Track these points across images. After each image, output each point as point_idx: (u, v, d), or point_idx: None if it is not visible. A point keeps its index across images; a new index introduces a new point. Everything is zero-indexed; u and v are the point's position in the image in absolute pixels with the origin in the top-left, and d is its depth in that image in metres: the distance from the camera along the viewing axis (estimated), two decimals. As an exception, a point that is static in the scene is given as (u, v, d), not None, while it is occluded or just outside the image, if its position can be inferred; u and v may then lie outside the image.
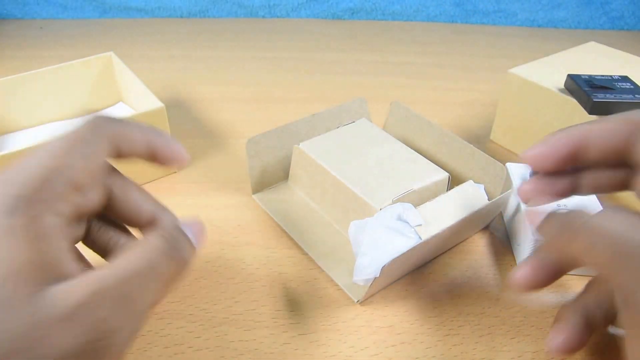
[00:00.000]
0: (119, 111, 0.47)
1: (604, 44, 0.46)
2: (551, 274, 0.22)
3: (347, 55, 0.64)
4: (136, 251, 0.19)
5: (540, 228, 0.22)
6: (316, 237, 0.33)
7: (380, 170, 0.33)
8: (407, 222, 0.28)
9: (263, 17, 0.76)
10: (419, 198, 0.31)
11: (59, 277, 0.17)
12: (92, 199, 0.20)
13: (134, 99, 0.44)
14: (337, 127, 0.37)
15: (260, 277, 0.31)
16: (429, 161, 0.34)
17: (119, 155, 0.21)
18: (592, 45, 0.46)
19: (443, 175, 0.33)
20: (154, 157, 0.23)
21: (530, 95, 0.39)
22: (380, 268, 0.25)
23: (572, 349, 0.23)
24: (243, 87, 0.55)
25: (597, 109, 0.34)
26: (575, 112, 0.36)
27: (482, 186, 0.33)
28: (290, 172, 0.37)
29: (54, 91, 0.44)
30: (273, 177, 0.38)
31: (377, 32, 0.72)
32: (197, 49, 0.65)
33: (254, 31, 0.71)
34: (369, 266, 0.27)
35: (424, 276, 0.31)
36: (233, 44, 0.67)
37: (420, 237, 0.28)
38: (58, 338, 0.16)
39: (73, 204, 0.19)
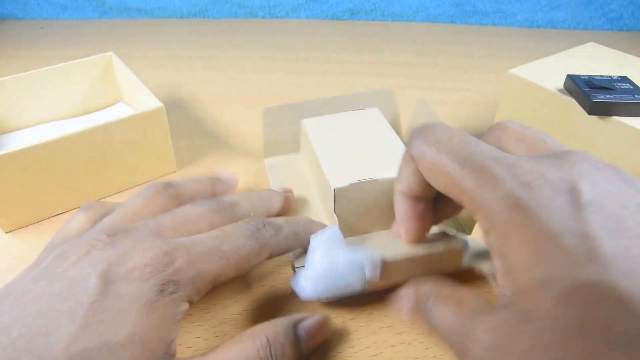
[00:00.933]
0: (119, 111, 0.47)
1: (604, 44, 0.46)
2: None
3: (346, 55, 0.64)
4: (238, 355, 0.21)
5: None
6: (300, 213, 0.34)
7: (360, 156, 0.33)
8: (364, 271, 0.26)
9: (263, 17, 0.77)
10: (383, 189, 0.31)
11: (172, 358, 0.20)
12: None
13: (134, 98, 0.44)
14: (346, 111, 0.38)
15: (259, 276, 0.31)
16: None
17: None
18: (591, 45, 0.46)
19: None
20: None
21: (530, 95, 0.39)
22: (313, 299, 0.26)
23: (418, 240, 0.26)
24: (243, 87, 0.55)
25: (596, 109, 0.34)
26: (574, 113, 0.36)
27: (469, 251, 0.29)
28: (300, 145, 0.39)
29: (54, 91, 0.44)
30: (287, 146, 0.39)
31: (376, 33, 0.72)
32: (197, 49, 0.65)
33: (253, 31, 0.71)
34: (305, 290, 0.26)
35: (423, 276, 0.31)
36: (233, 44, 0.67)
37: (364, 289, 0.27)
38: None
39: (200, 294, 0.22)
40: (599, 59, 0.43)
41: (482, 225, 0.19)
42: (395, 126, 0.41)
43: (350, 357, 0.26)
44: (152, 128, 0.37)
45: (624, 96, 0.34)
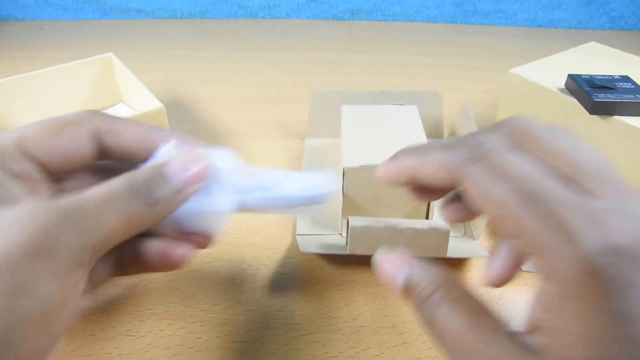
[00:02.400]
0: (119, 112, 0.47)
1: (604, 44, 0.46)
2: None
3: (347, 55, 0.64)
4: (99, 186, 0.19)
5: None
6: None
7: (381, 146, 0.33)
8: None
9: (263, 17, 0.77)
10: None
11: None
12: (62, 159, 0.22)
13: (134, 99, 0.44)
14: (384, 104, 0.39)
15: (261, 277, 0.31)
16: None
17: (105, 150, 0.22)
18: (592, 45, 0.46)
19: None
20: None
21: (531, 95, 0.39)
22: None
23: (503, 282, 0.22)
24: (243, 88, 0.55)
25: (598, 108, 0.34)
26: (575, 112, 0.36)
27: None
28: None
29: (54, 92, 0.44)
30: (330, 130, 0.41)
31: (377, 33, 0.72)
32: (197, 49, 0.65)
33: (254, 32, 0.71)
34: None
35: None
36: (233, 45, 0.67)
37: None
38: (10, 233, 0.16)
39: (30, 165, 0.21)
40: (600, 59, 0.43)
41: (538, 269, 0.16)
42: (438, 127, 0.42)
43: (352, 357, 0.26)
44: (153, 129, 0.37)
45: (625, 95, 0.34)
